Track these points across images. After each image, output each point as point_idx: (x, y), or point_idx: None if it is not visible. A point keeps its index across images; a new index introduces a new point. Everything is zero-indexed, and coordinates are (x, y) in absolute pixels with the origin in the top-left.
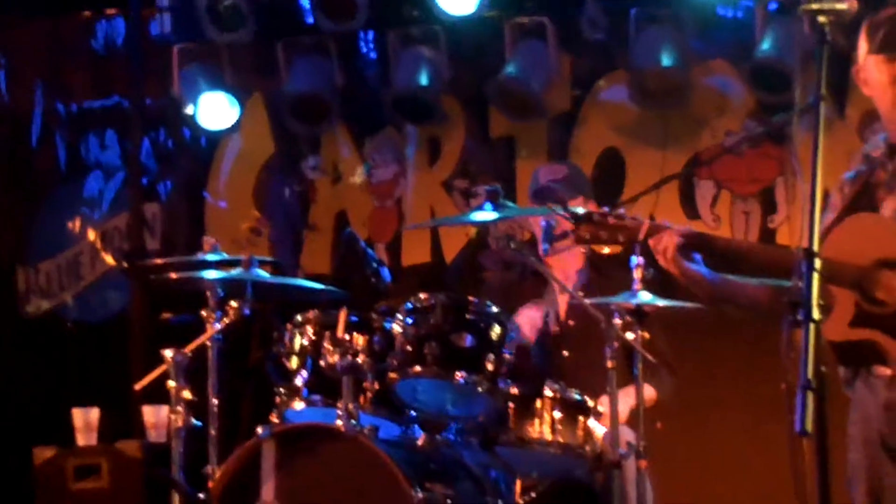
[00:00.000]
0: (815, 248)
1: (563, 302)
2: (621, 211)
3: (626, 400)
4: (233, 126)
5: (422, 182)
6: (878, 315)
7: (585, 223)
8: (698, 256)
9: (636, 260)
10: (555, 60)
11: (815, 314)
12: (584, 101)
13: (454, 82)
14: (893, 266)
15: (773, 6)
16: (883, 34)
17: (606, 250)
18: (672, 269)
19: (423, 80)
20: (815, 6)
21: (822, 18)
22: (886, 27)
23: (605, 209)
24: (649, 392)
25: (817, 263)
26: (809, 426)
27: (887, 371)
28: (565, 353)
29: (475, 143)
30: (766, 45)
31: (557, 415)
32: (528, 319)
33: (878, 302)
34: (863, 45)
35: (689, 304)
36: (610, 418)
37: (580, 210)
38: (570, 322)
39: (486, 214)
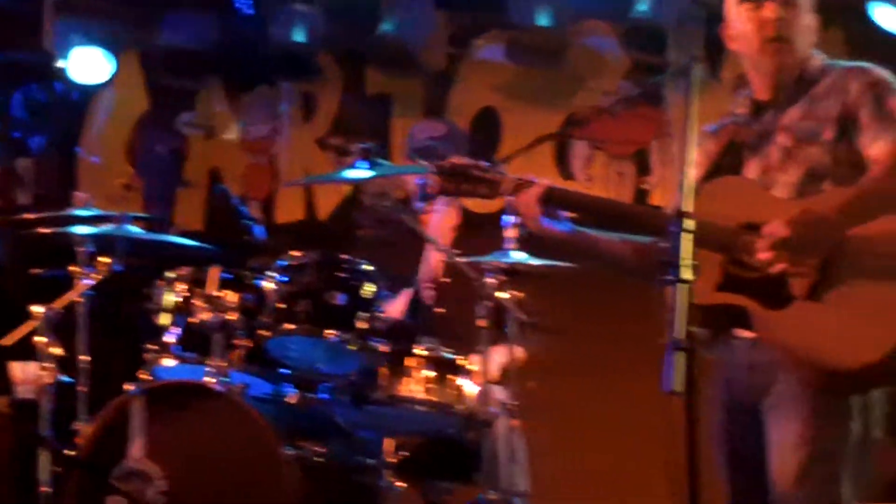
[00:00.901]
0: (687, 209)
1: (437, 260)
2: (485, 163)
3: (498, 358)
4: (106, 81)
5: (297, 139)
6: (744, 279)
7: (449, 175)
8: (563, 214)
9: (510, 219)
10: (432, 18)
11: (686, 274)
12: (460, 59)
13: (330, 39)
14: (752, 229)
15: None
16: None
17: (472, 205)
18: (531, 225)
19: (299, 36)
20: None
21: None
22: None
23: (469, 161)
24: (521, 351)
25: (688, 224)
26: (679, 386)
27: (749, 333)
28: (439, 310)
29: (351, 101)
30: (642, 6)
31: (429, 373)
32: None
33: (745, 266)
34: None
35: (562, 264)
36: (482, 377)
37: (445, 162)
38: (445, 280)
39: (360, 172)
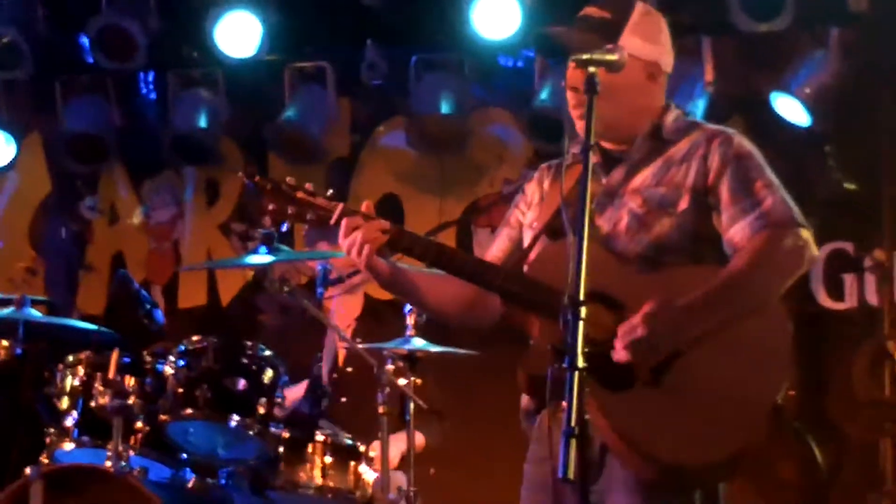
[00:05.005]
0: (581, 295)
1: (340, 347)
2: (308, 186)
3: (398, 445)
4: (9, 164)
5: (199, 224)
6: (588, 354)
7: (273, 196)
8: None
9: (409, 307)
10: (334, 105)
11: (580, 363)
12: (363, 146)
13: (233, 125)
14: (601, 300)
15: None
16: None
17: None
18: (360, 263)
19: (202, 121)
20: (585, 56)
21: (591, 69)
22: None
23: (299, 183)
24: (420, 438)
25: (582, 312)
26: (571, 473)
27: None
28: (342, 399)
29: (254, 186)
30: (544, 95)
31: (328, 459)
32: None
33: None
34: None
35: (461, 351)
36: (381, 463)
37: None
38: (348, 368)
39: (262, 258)
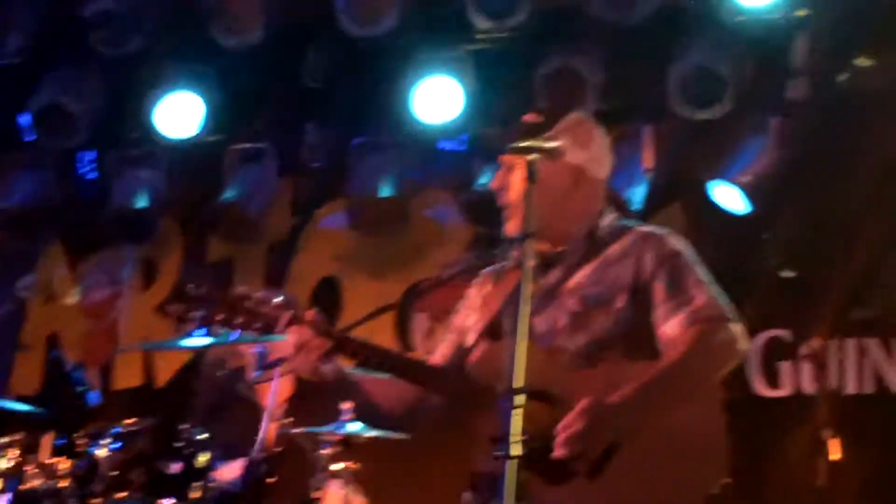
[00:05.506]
0: (519, 384)
1: (272, 429)
2: (261, 295)
3: None
4: None
5: (137, 304)
6: (527, 448)
7: (221, 305)
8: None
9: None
10: (275, 186)
11: (516, 451)
12: (303, 227)
13: (173, 204)
14: (539, 397)
15: None
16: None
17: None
18: (303, 369)
19: (142, 201)
20: (523, 144)
21: (530, 157)
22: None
23: (246, 292)
24: None
25: (518, 401)
26: None
27: None
28: (270, 479)
29: (192, 267)
30: (483, 178)
31: None
32: None
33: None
34: None
35: (396, 435)
36: None
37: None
38: (277, 448)
39: (199, 340)
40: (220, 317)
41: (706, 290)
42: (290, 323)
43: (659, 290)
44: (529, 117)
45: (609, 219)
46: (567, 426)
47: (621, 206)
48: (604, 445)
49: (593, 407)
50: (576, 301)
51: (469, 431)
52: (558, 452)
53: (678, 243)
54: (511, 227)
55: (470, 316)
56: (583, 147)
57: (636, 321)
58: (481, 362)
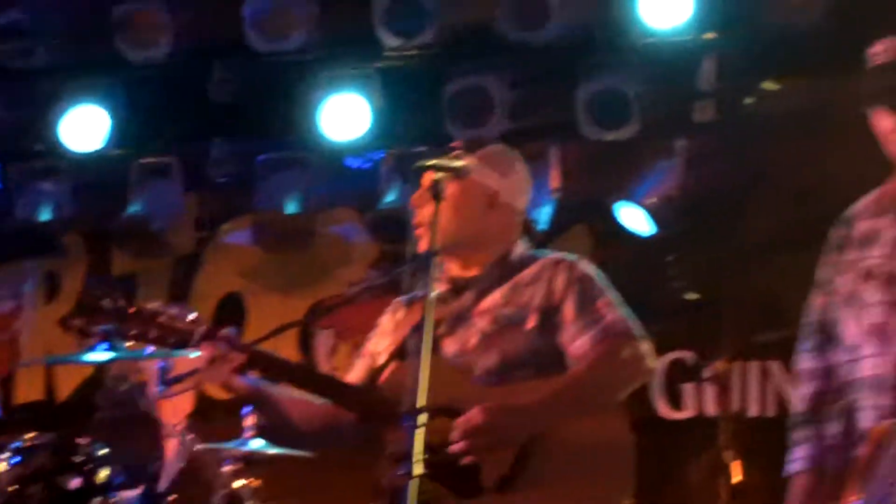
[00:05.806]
0: (422, 402)
1: (172, 446)
2: (175, 311)
3: None
4: None
5: (39, 318)
6: (435, 464)
7: (133, 319)
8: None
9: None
10: (180, 200)
11: (417, 470)
12: (208, 242)
13: (77, 218)
14: (447, 412)
15: None
16: None
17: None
18: (218, 381)
19: (45, 214)
20: (430, 162)
21: (437, 175)
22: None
23: (160, 307)
24: None
25: (421, 419)
26: None
27: None
28: (173, 497)
29: (96, 280)
30: (390, 196)
31: None
32: None
33: (436, 450)
34: None
35: (299, 452)
36: None
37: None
38: (181, 465)
39: (101, 354)
40: (133, 331)
41: (615, 309)
42: (205, 337)
43: (569, 310)
44: (456, 143)
45: (522, 247)
46: (465, 421)
47: (531, 231)
48: (505, 443)
49: (493, 406)
50: (488, 321)
51: (377, 447)
52: (457, 448)
53: (588, 268)
54: (422, 246)
55: (381, 341)
56: (500, 173)
57: (546, 341)
58: (390, 381)
